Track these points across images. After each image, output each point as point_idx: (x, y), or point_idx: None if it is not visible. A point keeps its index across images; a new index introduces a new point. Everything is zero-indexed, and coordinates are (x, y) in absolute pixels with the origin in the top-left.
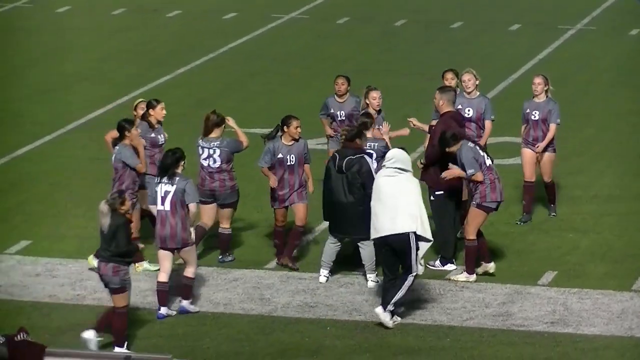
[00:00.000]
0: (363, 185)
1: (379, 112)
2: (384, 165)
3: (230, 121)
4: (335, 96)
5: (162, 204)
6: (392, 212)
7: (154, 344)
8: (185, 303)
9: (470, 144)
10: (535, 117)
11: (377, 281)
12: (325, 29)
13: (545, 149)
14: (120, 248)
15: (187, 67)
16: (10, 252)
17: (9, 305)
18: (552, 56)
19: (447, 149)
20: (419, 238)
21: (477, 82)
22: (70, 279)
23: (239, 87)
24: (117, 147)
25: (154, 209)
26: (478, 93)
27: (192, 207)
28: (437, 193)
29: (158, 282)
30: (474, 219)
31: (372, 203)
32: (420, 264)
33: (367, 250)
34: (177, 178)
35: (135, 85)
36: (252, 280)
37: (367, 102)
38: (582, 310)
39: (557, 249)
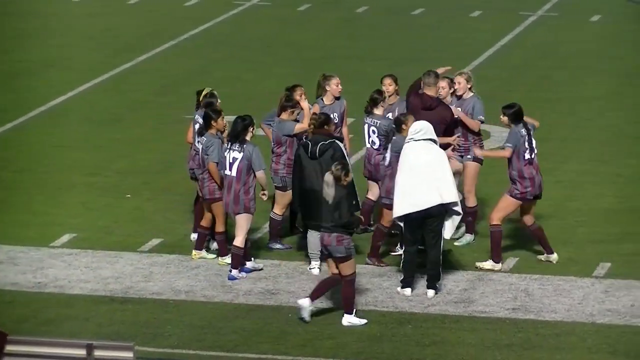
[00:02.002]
0: None
1: (337, 98)
2: (411, 139)
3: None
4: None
5: (230, 169)
6: (433, 183)
7: (117, 332)
8: (234, 272)
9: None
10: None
11: (320, 269)
12: (288, 15)
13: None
14: (343, 219)
15: (150, 53)
16: None
17: None
18: (514, 42)
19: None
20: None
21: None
22: (32, 267)
23: (202, 74)
24: (204, 138)
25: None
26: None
27: (259, 174)
28: None
29: (233, 245)
30: (506, 208)
31: (403, 177)
32: (454, 227)
33: (316, 238)
34: (245, 145)
35: (99, 72)
36: (214, 267)
37: (328, 89)
38: (544, 297)
39: (519, 235)
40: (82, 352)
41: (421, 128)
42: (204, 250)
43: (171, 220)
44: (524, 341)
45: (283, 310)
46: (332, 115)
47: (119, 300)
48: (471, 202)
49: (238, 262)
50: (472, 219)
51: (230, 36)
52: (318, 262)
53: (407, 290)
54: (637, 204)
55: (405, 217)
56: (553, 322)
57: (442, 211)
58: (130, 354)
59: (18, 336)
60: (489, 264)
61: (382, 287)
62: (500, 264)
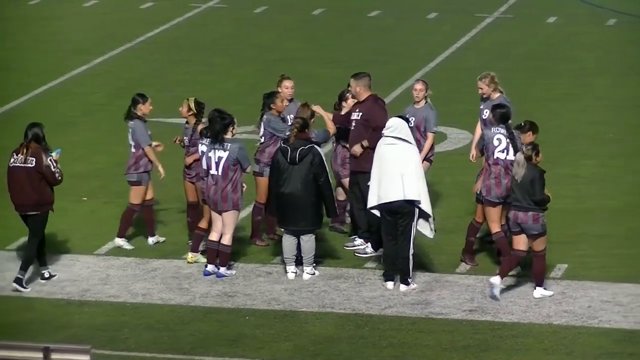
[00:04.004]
0: (315, 175)
1: (290, 100)
2: (383, 134)
3: (317, 108)
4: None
5: (216, 169)
6: (397, 179)
7: (73, 335)
8: (222, 269)
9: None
10: (410, 123)
11: (314, 273)
12: (244, 17)
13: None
14: (537, 196)
15: (105, 56)
16: None
17: None
18: (470, 44)
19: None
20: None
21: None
22: None
23: (158, 76)
24: (132, 122)
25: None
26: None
27: (249, 170)
28: None
29: (208, 240)
30: (492, 215)
31: (374, 171)
32: (431, 229)
33: (308, 244)
34: (229, 144)
35: (53, 75)
36: (171, 270)
37: (280, 90)
38: (501, 298)
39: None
40: (39, 355)
41: (391, 125)
42: (199, 253)
43: (135, 224)
44: (481, 343)
45: (240, 313)
46: (289, 117)
47: (75, 303)
48: None
49: (227, 260)
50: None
51: (187, 39)
52: (293, 266)
53: (389, 284)
54: (594, 205)
55: (380, 212)
56: (510, 324)
57: (408, 208)
58: (87, 357)
59: None
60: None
61: (340, 289)
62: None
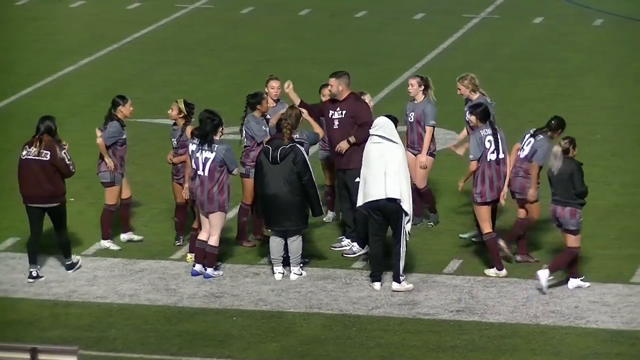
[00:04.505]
0: (298, 173)
1: (276, 101)
2: (370, 132)
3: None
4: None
5: (202, 169)
6: (380, 177)
7: (60, 336)
8: (209, 270)
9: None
10: (411, 119)
11: (301, 274)
12: (231, 18)
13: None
14: (578, 189)
15: (92, 57)
16: None
17: None
18: (457, 45)
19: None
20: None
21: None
22: None
23: (145, 77)
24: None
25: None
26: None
27: (235, 172)
28: None
29: (198, 240)
30: (482, 215)
31: (362, 170)
32: (407, 231)
33: (295, 244)
34: (216, 145)
35: (41, 76)
36: (158, 270)
37: (267, 90)
38: (488, 299)
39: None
40: (26, 356)
41: (377, 123)
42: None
43: (114, 224)
44: (468, 343)
45: (228, 314)
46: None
47: (62, 304)
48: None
49: (213, 261)
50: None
51: (174, 39)
52: (280, 267)
53: (376, 285)
54: None
55: (367, 211)
56: (497, 324)
57: (394, 206)
58: (74, 358)
59: None
60: (492, 272)
61: (327, 290)
62: (503, 270)
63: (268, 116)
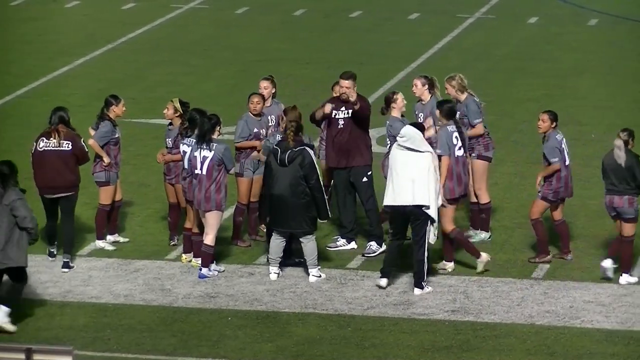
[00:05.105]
0: (305, 177)
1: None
2: (396, 141)
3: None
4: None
5: (200, 168)
6: (408, 184)
7: (55, 336)
8: (204, 270)
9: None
10: (420, 119)
11: (320, 275)
12: (226, 18)
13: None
14: (637, 181)
15: (87, 57)
16: None
17: None
18: (452, 45)
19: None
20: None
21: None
22: None
23: (140, 77)
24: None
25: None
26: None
27: (232, 171)
28: (369, 174)
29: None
30: (447, 214)
31: (389, 173)
32: (434, 234)
33: (308, 245)
34: (215, 144)
35: (35, 76)
36: (153, 271)
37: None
38: (483, 299)
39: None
40: (21, 356)
41: (404, 134)
42: (191, 254)
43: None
44: (463, 343)
45: (222, 314)
46: (269, 118)
47: (57, 304)
48: (483, 199)
49: (209, 261)
50: (486, 216)
51: (168, 39)
52: (276, 268)
53: (383, 281)
54: (576, 205)
55: (390, 212)
56: (492, 324)
57: (420, 213)
58: (69, 358)
59: None
60: (447, 265)
61: (322, 290)
62: (451, 263)
63: (272, 117)
